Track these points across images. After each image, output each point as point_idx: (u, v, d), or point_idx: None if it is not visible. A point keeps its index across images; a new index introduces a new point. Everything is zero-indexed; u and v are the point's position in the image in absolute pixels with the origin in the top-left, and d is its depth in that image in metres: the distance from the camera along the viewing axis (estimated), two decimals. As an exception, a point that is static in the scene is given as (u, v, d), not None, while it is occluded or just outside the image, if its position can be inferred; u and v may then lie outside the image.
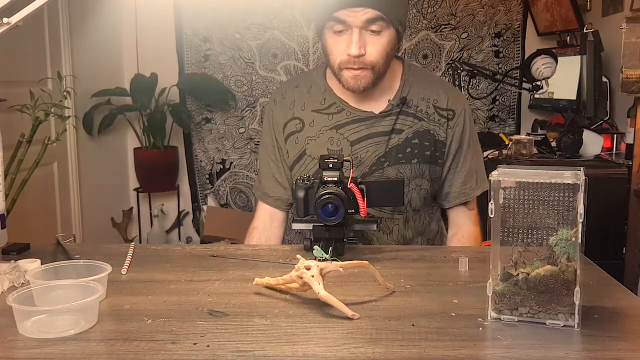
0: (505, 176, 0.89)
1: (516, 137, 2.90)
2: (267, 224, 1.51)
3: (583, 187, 0.84)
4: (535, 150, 2.83)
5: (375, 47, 1.32)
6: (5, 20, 1.09)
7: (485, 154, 2.76)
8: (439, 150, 1.44)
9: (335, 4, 1.30)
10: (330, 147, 1.42)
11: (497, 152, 2.82)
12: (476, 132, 1.52)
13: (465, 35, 3.66)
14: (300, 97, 1.48)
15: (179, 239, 3.90)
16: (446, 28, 3.65)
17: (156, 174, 3.65)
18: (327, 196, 1.17)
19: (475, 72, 2.92)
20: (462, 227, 1.51)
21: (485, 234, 1.34)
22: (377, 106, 1.43)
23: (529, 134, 3.27)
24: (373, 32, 1.31)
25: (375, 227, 1.28)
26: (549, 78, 2.64)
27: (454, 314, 0.92)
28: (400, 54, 1.53)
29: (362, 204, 1.20)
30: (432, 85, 1.47)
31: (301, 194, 1.23)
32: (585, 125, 2.92)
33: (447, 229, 1.58)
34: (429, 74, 1.51)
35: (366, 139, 1.42)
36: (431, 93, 1.45)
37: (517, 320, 0.89)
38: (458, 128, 1.44)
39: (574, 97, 2.94)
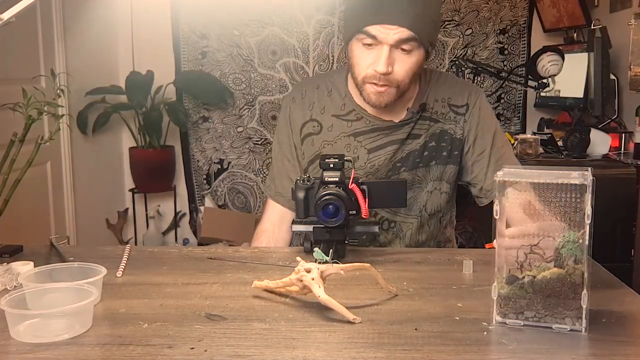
0: (510, 176, 0.88)
1: (521, 136, 2.88)
2: (277, 226, 1.48)
3: (590, 188, 0.83)
4: (541, 150, 2.81)
5: (403, 66, 1.28)
6: (-3, 16, 1.07)
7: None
8: (457, 148, 1.41)
9: (367, 17, 1.25)
10: (347, 153, 1.40)
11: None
12: (497, 120, 1.47)
13: (469, 32, 3.64)
14: (320, 99, 1.45)
15: (176, 240, 3.88)
16: (450, 24, 3.63)
17: (152, 174, 3.63)
18: (327, 197, 1.15)
19: (480, 69, 2.90)
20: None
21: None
22: (397, 115, 1.40)
23: (534, 133, 3.23)
24: (403, 51, 1.27)
25: (376, 228, 1.26)
26: (555, 75, 2.63)
27: (457, 318, 0.91)
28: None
29: (364, 205, 1.18)
30: (445, 83, 1.45)
31: (301, 194, 1.22)
32: (593, 123, 2.90)
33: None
34: (441, 73, 1.50)
35: (384, 147, 1.40)
36: (444, 92, 1.43)
37: (522, 324, 0.88)
38: (473, 119, 1.41)
39: (580, 95, 2.92)
